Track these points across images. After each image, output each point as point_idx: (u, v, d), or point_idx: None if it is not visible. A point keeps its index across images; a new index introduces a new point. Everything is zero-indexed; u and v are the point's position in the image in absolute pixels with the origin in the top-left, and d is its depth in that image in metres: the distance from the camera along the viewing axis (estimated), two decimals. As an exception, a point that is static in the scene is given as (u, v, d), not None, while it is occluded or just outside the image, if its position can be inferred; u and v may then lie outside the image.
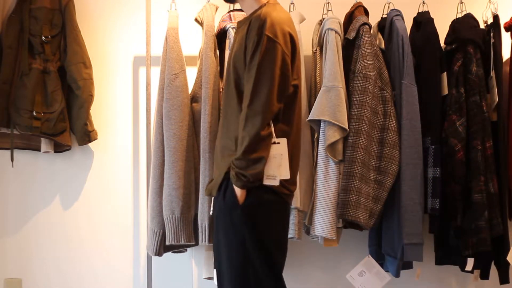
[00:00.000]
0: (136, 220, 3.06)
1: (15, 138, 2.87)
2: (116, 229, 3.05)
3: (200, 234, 2.62)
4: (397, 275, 2.64)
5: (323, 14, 2.84)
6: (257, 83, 1.95)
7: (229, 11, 2.75)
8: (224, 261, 2.09)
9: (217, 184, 2.09)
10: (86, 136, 2.91)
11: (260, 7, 2.09)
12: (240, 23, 2.19)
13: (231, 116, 2.08)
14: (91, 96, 2.90)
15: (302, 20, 2.74)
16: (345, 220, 2.63)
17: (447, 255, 2.76)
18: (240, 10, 2.69)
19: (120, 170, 3.06)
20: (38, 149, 2.93)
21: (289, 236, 2.65)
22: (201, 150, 2.62)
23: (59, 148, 2.95)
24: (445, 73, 2.72)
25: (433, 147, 2.65)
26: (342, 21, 2.75)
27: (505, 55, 2.86)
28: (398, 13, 2.71)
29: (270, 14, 2.02)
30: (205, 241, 2.61)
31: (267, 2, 2.11)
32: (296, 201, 2.60)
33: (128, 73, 3.07)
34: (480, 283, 2.99)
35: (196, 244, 2.70)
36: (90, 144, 2.98)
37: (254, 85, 1.95)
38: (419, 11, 2.84)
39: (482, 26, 2.83)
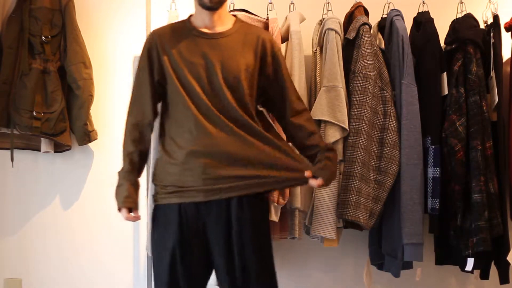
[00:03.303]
0: (136, 220, 3.05)
1: (15, 138, 2.87)
2: (116, 229, 3.05)
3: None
4: (397, 275, 2.64)
5: (323, 14, 2.84)
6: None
7: (229, 11, 2.74)
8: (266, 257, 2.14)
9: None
10: (86, 136, 2.91)
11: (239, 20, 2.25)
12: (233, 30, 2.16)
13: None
14: (91, 96, 2.90)
15: (302, 20, 2.74)
16: (345, 220, 2.63)
17: (447, 255, 2.76)
18: (240, 10, 2.69)
19: (120, 170, 3.05)
20: (38, 149, 2.93)
21: (291, 236, 2.67)
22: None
23: (59, 148, 2.94)
24: (445, 73, 2.72)
25: (433, 147, 2.65)
26: (342, 21, 2.74)
27: (505, 55, 2.86)
28: (398, 13, 2.71)
29: None
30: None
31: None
32: (297, 201, 2.60)
33: (128, 73, 3.07)
34: (480, 283, 2.99)
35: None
36: (90, 144, 2.98)
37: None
38: (419, 11, 2.83)
39: (482, 26, 2.82)
